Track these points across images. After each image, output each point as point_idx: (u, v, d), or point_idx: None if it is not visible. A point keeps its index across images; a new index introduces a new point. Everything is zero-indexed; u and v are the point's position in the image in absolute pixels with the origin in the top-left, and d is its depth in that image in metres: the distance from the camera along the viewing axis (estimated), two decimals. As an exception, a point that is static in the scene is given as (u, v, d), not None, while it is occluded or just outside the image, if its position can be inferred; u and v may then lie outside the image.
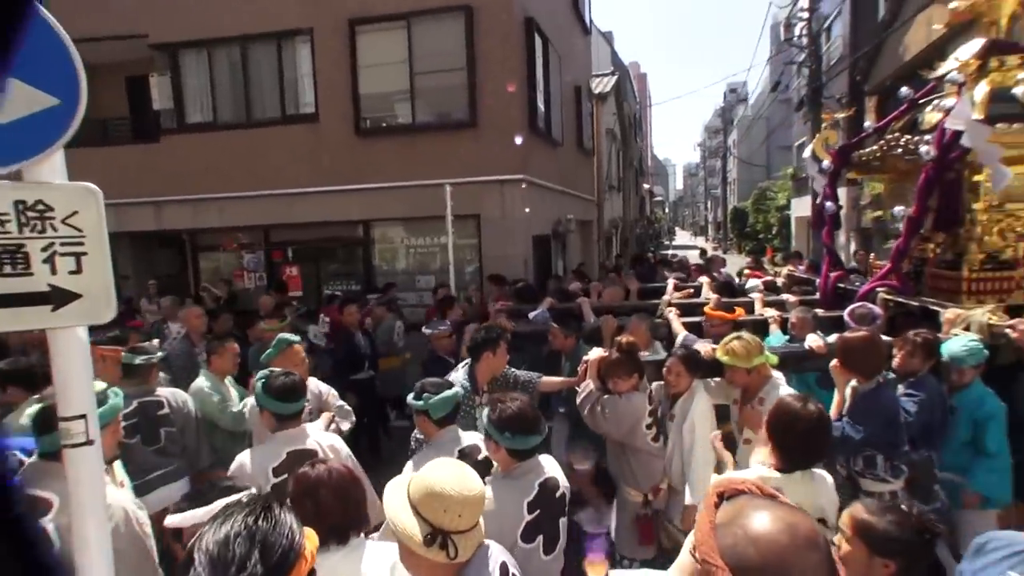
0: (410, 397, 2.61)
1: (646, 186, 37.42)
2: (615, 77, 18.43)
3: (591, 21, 15.08)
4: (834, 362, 3.02)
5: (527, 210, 8.85)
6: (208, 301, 7.85)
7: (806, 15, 14.08)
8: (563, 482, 2.29)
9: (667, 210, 71.95)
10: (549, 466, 2.27)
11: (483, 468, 2.23)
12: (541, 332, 4.36)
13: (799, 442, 2.15)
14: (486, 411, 2.22)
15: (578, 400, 3.31)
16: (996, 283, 3.78)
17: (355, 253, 9.81)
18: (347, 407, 3.82)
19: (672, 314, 4.47)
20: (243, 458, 2.59)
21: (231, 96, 9.55)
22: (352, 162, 9.05)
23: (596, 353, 3.36)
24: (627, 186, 23.69)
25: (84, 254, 1.49)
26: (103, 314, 1.53)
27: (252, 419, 3.33)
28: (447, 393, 2.56)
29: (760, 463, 2.25)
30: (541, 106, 9.56)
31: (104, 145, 9.82)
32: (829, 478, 2.31)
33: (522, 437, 2.13)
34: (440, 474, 1.62)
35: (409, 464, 2.46)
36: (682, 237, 69.12)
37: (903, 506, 1.72)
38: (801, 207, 20.10)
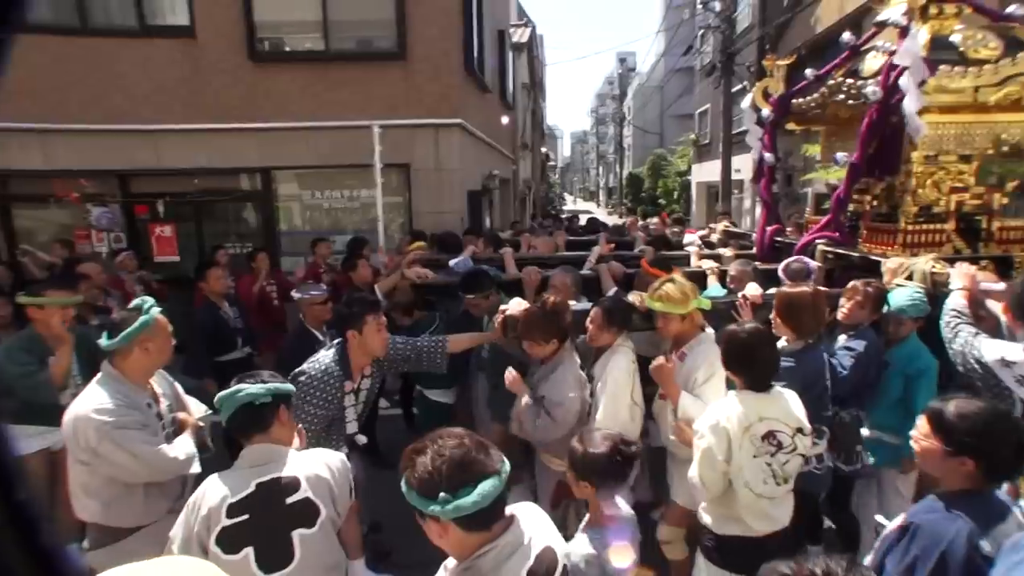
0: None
1: (543, 150, 37.17)
2: (529, 28, 17.32)
3: (509, -40, 13.79)
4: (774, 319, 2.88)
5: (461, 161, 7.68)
6: (33, 270, 5.80)
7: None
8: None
9: (557, 176, 72.73)
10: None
11: None
12: (455, 286, 3.73)
13: (753, 359, 2.32)
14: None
15: (514, 415, 2.79)
16: (929, 235, 3.79)
17: (250, 209, 8.05)
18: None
19: (603, 268, 4.09)
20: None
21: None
22: (246, 95, 7.27)
23: (517, 304, 3.02)
24: (534, 147, 22.94)
25: None
26: None
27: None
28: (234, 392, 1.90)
29: (734, 391, 2.38)
30: (476, 44, 8.31)
31: None
32: (794, 393, 2.44)
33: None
34: None
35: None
36: (573, 203, 70.29)
37: None
38: (702, 173, 20.59)
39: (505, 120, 12.54)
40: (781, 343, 2.86)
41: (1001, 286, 2.95)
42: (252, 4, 7.09)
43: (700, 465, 2.36)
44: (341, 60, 7.28)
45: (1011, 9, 3.73)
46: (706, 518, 2.46)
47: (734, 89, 15.06)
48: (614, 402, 2.74)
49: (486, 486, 1.28)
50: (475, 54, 8.22)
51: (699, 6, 17.74)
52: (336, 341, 2.83)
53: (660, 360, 2.71)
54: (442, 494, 1.26)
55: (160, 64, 7.19)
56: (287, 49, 7.52)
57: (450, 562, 1.42)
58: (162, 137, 7.32)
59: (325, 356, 2.75)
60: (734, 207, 16.14)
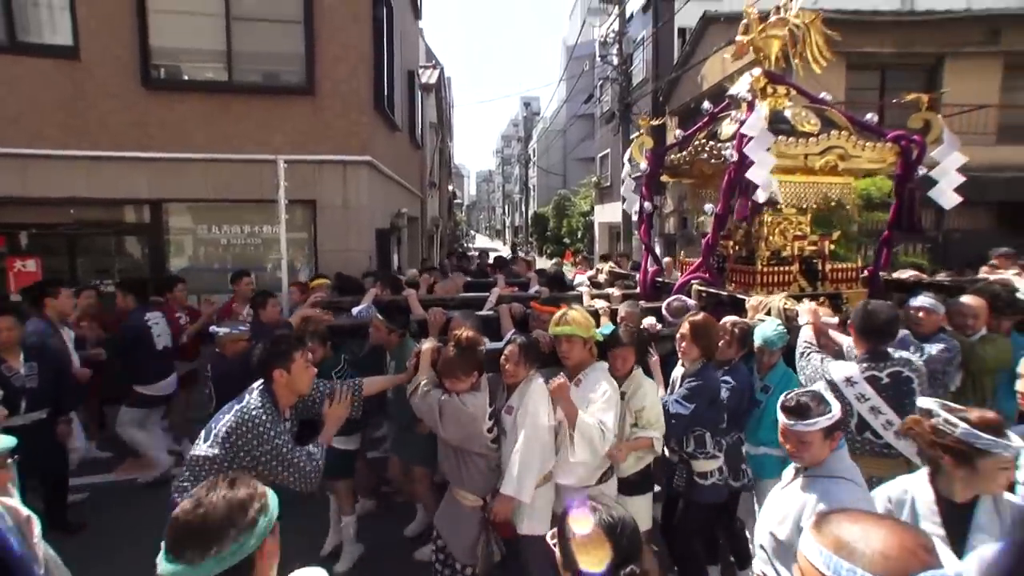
0: None
1: (450, 187, 37.56)
2: (438, 70, 17.67)
3: (420, 5, 14.09)
4: (684, 344, 3.20)
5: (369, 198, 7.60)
6: None
7: (617, 38, 15.10)
8: None
9: (463, 214, 73.48)
10: None
11: None
12: (361, 326, 3.90)
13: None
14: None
15: (409, 391, 3.00)
16: (780, 276, 4.43)
17: (135, 243, 7.45)
18: None
19: (503, 308, 4.28)
20: None
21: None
22: (137, 122, 6.83)
23: (430, 344, 3.14)
24: (442, 185, 23.13)
25: None
26: None
27: None
28: None
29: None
30: (386, 82, 8.36)
31: None
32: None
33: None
34: None
35: None
36: (480, 240, 71.16)
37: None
38: (604, 213, 21.67)
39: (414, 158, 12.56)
40: (678, 369, 3.28)
41: (835, 320, 3.57)
42: (148, 29, 6.75)
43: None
44: (245, 92, 7.04)
45: (822, 95, 4.57)
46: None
47: (632, 136, 16.18)
48: (535, 429, 2.83)
49: (177, 566, 1.21)
50: (385, 92, 8.27)
51: (598, 59, 19.00)
52: (255, 385, 2.63)
53: (559, 379, 2.87)
54: (162, 549, 1.24)
55: (34, 84, 6.61)
56: (186, 77, 7.17)
57: None
58: (32, 163, 6.67)
59: (251, 401, 2.52)
60: (635, 247, 17.10)
